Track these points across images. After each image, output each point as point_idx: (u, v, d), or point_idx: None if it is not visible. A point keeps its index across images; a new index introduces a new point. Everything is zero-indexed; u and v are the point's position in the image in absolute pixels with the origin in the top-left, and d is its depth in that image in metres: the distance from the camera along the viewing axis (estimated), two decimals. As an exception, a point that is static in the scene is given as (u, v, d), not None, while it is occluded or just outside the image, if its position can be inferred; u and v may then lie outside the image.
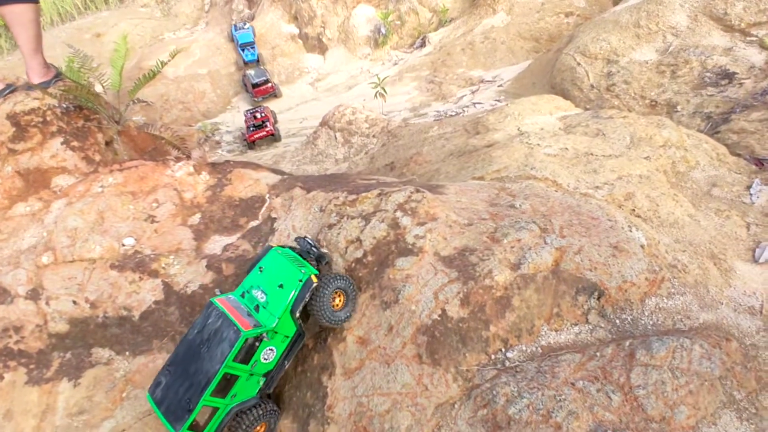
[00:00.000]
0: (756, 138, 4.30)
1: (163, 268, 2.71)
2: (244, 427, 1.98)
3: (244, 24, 9.71)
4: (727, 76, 4.98)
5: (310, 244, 2.25)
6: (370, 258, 2.32)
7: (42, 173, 3.24)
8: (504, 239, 2.25)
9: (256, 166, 3.40)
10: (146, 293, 2.66)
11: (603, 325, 2.11)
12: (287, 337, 2.10)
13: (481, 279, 2.08)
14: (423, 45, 8.52)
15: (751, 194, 3.36)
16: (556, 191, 3.00)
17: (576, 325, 2.10)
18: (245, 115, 7.00)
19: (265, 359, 2.04)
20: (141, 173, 3.07)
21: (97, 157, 3.40)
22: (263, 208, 2.99)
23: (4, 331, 2.73)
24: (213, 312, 2.03)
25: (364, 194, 2.62)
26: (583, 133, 3.87)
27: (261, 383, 2.08)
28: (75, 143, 3.34)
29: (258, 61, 9.24)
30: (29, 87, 3.51)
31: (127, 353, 2.67)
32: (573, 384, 1.87)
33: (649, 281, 2.27)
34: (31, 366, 2.68)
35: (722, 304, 2.38)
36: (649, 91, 5.07)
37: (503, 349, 2.01)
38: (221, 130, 7.59)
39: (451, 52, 8.31)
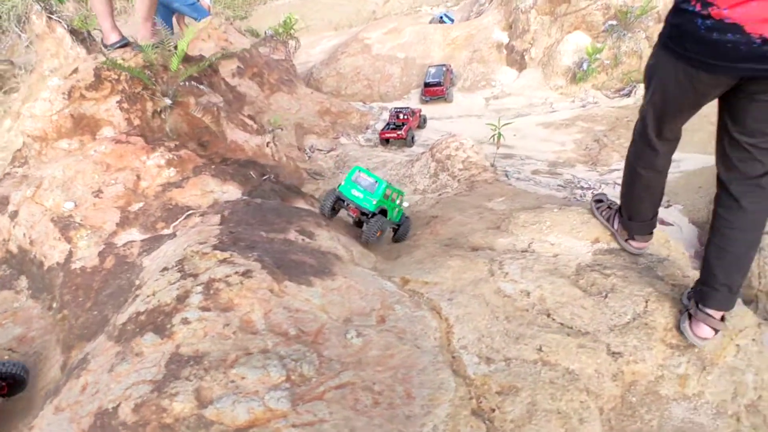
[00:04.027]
0: None
1: (77, 238, 3.12)
2: (380, 222, 3.32)
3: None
4: None
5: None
6: (142, 318, 2.33)
7: (95, 121, 3.92)
8: (236, 368, 2.01)
9: (226, 179, 3.55)
10: (57, 253, 3.11)
11: None
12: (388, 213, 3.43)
13: (168, 398, 1.93)
14: (629, 95, 7.32)
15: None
16: (435, 341, 2.40)
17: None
18: (391, 112, 7.07)
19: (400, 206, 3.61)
20: (123, 150, 3.50)
21: (137, 122, 3.94)
22: (179, 221, 3.15)
23: (-14, 232, 3.51)
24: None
25: (216, 252, 2.58)
26: (590, 282, 2.94)
27: (396, 217, 3.62)
28: (125, 105, 3.92)
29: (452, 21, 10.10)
30: (136, 46, 4.19)
31: (30, 292, 3.21)
32: None
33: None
34: (-17, 271, 3.41)
35: None
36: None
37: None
38: (383, 116, 7.83)
39: (645, 114, 6.86)
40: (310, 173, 5.71)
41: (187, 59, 4.35)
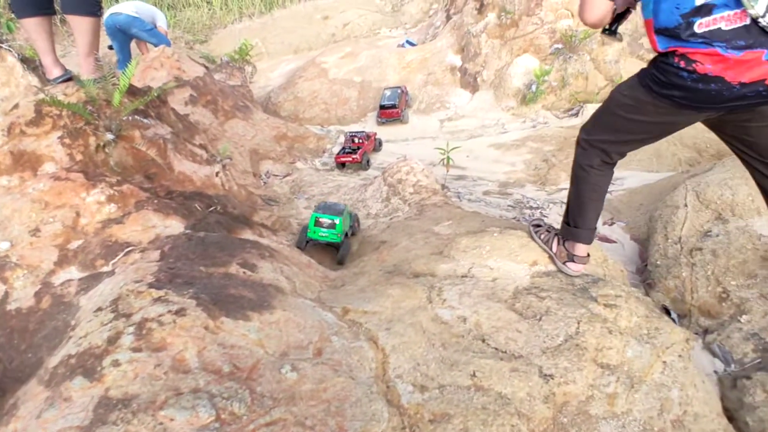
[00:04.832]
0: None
1: (13, 279, 3.07)
2: (348, 244, 4.37)
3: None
4: None
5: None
6: (72, 361, 2.32)
7: (36, 157, 3.87)
8: (165, 409, 2.02)
9: (169, 213, 3.55)
10: (-9, 294, 3.06)
11: None
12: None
13: (90, 445, 1.93)
14: (577, 115, 7.57)
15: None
16: (370, 372, 2.46)
17: None
18: (346, 136, 7.15)
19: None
20: (63, 187, 3.47)
21: (79, 157, 3.91)
22: (119, 258, 3.14)
23: None
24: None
25: (151, 290, 2.58)
26: (525, 305, 3.04)
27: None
28: (67, 140, 3.89)
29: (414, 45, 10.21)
30: (78, 81, 4.17)
31: (-36, 335, 3.13)
32: None
33: None
34: None
35: None
36: (730, 279, 3.78)
37: None
38: (341, 139, 7.90)
39: (591, 134, 7.11)
40: (265, 199, 5.72)
41: (132, 92, 4.36)
